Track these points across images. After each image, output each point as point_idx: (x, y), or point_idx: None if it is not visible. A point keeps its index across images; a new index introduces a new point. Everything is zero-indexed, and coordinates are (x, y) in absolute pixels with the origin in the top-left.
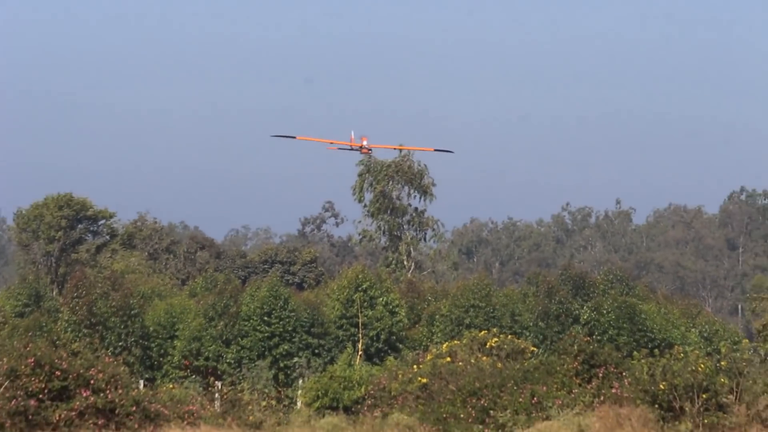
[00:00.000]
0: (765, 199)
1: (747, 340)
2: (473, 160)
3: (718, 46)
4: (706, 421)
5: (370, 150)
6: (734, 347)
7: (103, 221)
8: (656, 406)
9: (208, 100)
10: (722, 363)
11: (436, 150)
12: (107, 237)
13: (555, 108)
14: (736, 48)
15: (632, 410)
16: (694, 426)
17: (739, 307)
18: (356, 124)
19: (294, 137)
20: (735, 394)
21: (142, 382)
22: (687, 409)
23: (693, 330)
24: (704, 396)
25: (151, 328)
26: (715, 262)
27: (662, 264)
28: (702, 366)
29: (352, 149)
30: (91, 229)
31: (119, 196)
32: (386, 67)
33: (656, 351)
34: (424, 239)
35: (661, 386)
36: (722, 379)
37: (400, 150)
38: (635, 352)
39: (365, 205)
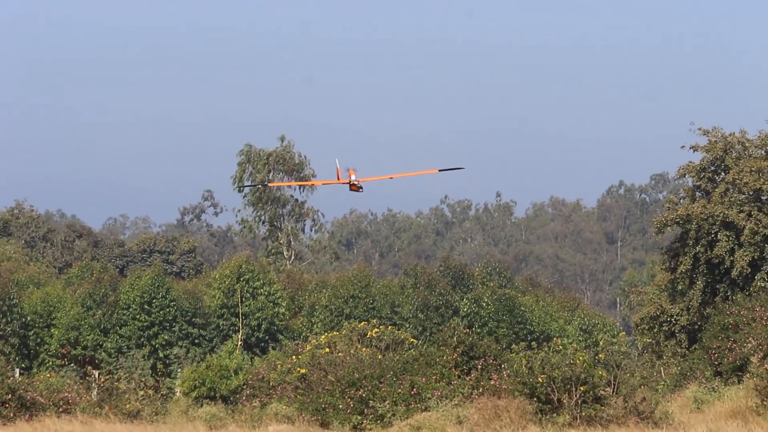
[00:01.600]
0: (642, 194)
1: (624, 334)
2: (354, 150)
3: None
4: (583, 413)
5: (361, 187)
6: (612, 340)
7: None
8: (534, 398)
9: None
10: (600, 356)
11: (441, 170)
12: None
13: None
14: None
15: (510, 402)
16: (572, 418)
17: (618, 300)
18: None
19: (266, 185)
20: (612, 386)
21: (18, 371)
22: (565, 401)
23: (572, 323)
24: (582, 388)
25: (29, 317)
26: (594, 256)
27: (541, 257)
28: (580, 359)
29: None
30: None
31: None
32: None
33: (535, 343)
34: (304, 230)
35: (540, 379)
36: (600, 372)
37: (390, 178)
38: (514, 345)
39: (245, 195)
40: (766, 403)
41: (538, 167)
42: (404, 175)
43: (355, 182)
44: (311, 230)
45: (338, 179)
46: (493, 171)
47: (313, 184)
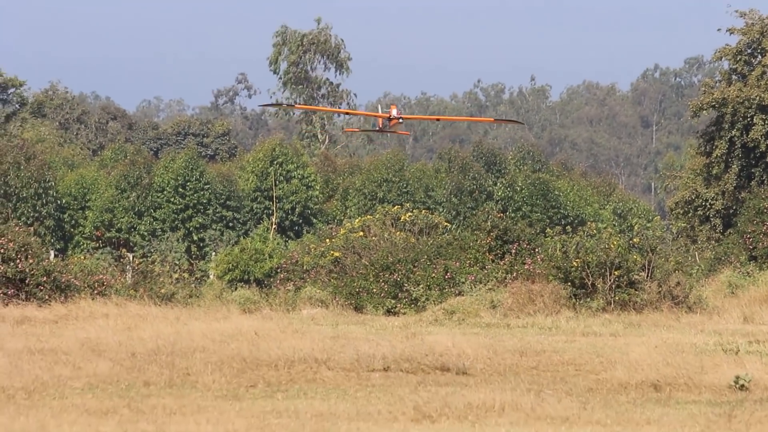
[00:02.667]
0: (677, 78)
1: (659, 218)
2: (389, 38)
3: None
4: (617, 298)
5: (401, 120)
6: (647, 225)
7: (12, 90)
8: (568, 282)
9: None
10: (635, 240)
11: (496, 120)
12: (17, 106)
13: None
14: None
15: (544, 286)
16: (605, 303)
17: (652, 185)
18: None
19: (292, 105)
20: (647, 271)
21: (53, 252)
22: (599, 285)
23: (606, 207)
24: (616, 273)
25: (63, 200)
26: (629, 140)
27: (576, 141)
28: (614, 243)
29: (375, 128)
30: (1, 97)
31: (30, 63)
32: None
33: (569, 228)
34: (339, 115)
35: (574, 263)
36: (634, 256)
37: (437, 119)
38: (548, 229)
39: (280, 77)
40: None
41: (572, 50)
42: (456, 119)
43: (396, 116)
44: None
45: (379, 121)
46: (529, 53)
47: (345, 113)
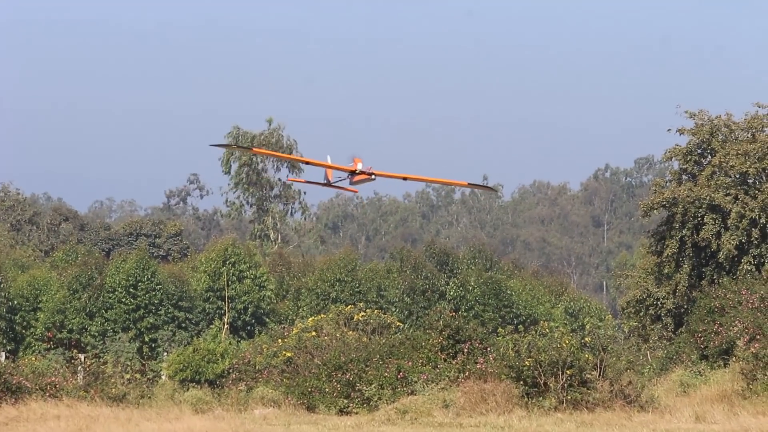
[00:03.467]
0: (627, 177)
1: (611, 317)
2: (344, 139)
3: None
4: (569, 396)
5: (372, 175)
6: (599, 324)
7: None
8: (521, 381)
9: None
10: (587, 339)
11: (470, 184)
12: None
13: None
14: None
15: (497, 385)
16: (558, 402)
17: (604, 283)
18: None
19: (250, 149)
20: (599, 370)
21: (3, 354)
22: (551, 384)
23: (558, 306)
24: (568, 372)
25: (15, 301)
26: (580, 239)
27: (528, 240)
28: (566, 342)
29: (328, 183)
30: None
31: None
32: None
33: (521, 327)
34: (291, 213)
35: (526, 362)
36: (586, 355)
37: (404, 178)
38: (500, 328)
39: (232, 178)
40: (752, 387)
41: (523, 151)
42: (427, 179)
43: (364, 170)
44: (297, 213)
45: (329, 173)
46: (479, 155)
47: (306, 162)
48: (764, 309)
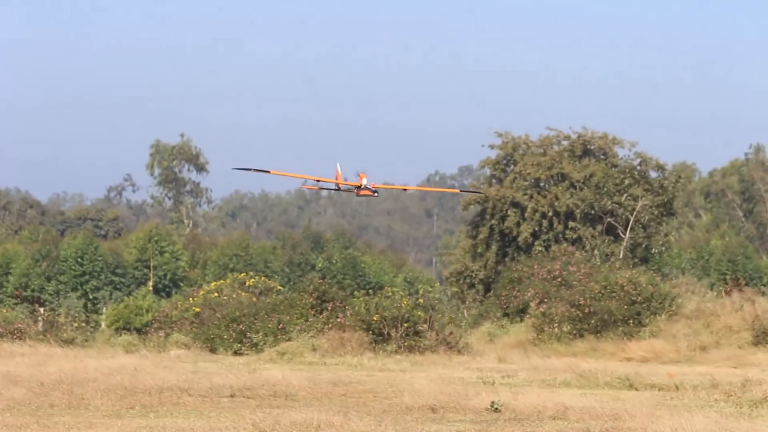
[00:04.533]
0: (453, 181)
1: (438, 284)
2: (242, 144)
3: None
4: (406, 343)
5: (375, 192)
6: (429, 289)
7: None
8: (370, 332)
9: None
10: (420, 300)
11: (462, 191)
12: None
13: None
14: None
15: (352, 334)
16: (397, 347)
17: (434, 260)
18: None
19: (268, 171)
20: (428, 323)
21: None
22: (393, 334)
23: (399, 276)
24: (405, 325)
25: None
26: (416, 226)
27: (378, 227)
28: (404, 303)
29: (338, 188)
30: None
31: None
32: None
33: (371, 291)
34: (200, 205)
35: (374, 317)
36: (419, 313)
37: (404, 189)
38: (356, 292)
39: (155, 178)
40: (540, 337)
41: (375, 157)
42: (425, 189)
43: (368, 186)
44: (205, 205)
45: (338, 180)
46: (339, 160)
47: (318, 180)
48: (550, 279)
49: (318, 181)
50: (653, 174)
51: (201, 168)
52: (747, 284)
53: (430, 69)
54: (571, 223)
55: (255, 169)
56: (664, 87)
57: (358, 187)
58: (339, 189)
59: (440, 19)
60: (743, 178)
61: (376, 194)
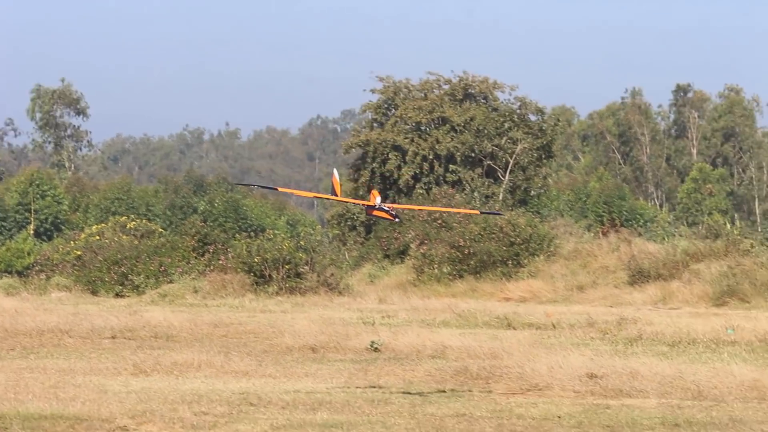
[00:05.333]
0: (335, 124)
1: (320, 227)
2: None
3: None
4: (287, 285)
5: (397, 217)
6: (310, 231)
7: None
8: (252, 273)
9: None
10: (301, 242)
11: (482, 212)
12: None
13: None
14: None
15: (234, 276)
16: (279, 288)
17: (314, 203)
18: None
19: (275, 189)
20: (310, 265)
21: None
22: (274, 276)
23: (281, 219)
24: (287, 267)
25: None
26: (299, 170)
27: (260, 170)
28: (286, 245)
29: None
30: None
31: None
32: None
33: (253, 234)
34: (81, 149)
35: (256, 259)
36: (300, 255)
37: (419, 209)
38: (237, 235)
39: (36, 122)
40: (420, 278)
41: (256, 101)
42: (441, 209)
43: (383, 208)
44: (86, 149)
45: (337, 191)
46: (222, 104)
47: (328, 198)
48: (431, 221)
49: (328, 199)
50: (533, 117)
51: (81, 112)
52: (623, 225)
53: (312, 14)
54: (451, 166)
55: (261, 186)
56: (544, 32)
57: (371, 207)
58: (339, 198)
59: None
60: (620, 121)
61: (396, 219)
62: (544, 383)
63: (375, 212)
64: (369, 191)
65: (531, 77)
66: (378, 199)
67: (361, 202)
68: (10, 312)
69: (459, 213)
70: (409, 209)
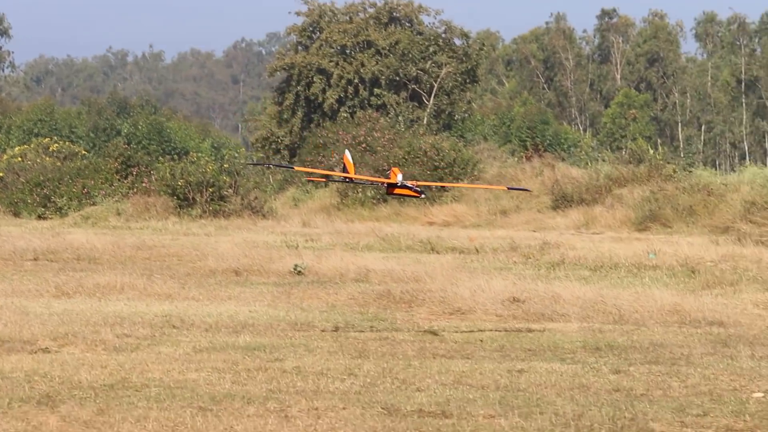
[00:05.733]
0: (260, 47)
1: (244, 150)
2: (40, 9)
3: None
4: (211, 208)
5: (422, 192)
6: (235, 155)
7: None
8: (175, 196)
9: None
10: (225, 166)
11: (509, 188)
12: None
13: None
14: None
15: (157, 199)
16: (202, 211)
17: (239, 126)
18: None
19: (292, 168)
20: (233, 188)
21: None
22: (198, 199)
23: (205, 142)
24: (210, 190)
25: None
26: (223, 93)
27: (184, 93)
28: (210, 168)
29: (372, 183)
30: None
31: None
32: None
33: (177, 157)
34: (2, 69)
35: (179, 182)
36: (224, 178)
37: (443, 187)
38: (161, 158)
39: None
40: (344, 201)
41: (181, 21)
42: (469, 186)
43: (406, 185)
44: (8, 70)
45: (350, 170)
46: (146, 26)
47: (345, 176)
48: (355, 144)
49: (345, 177)
50: (458, 42)
51: (4, 33)
52: (547, 150)
53: None
54: (376, 90)
55: (276, 165)
56: None
57: (392, 185)
58: (351, 181)
59: None
60: (544, 46)
61: (422, 195)
62: (467, 307)
63: (397, 190)
64: (292, 114)
65: (456, 1)
66: (400, 177)
67: (381, 180)
68: None
69: (464, 181)
70: (434, 186)
